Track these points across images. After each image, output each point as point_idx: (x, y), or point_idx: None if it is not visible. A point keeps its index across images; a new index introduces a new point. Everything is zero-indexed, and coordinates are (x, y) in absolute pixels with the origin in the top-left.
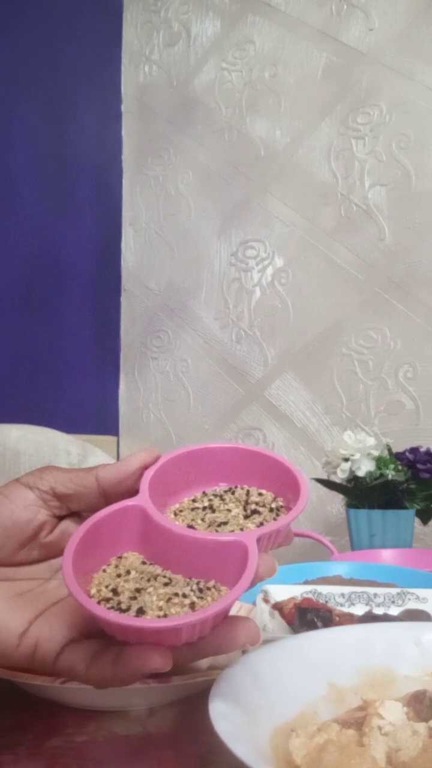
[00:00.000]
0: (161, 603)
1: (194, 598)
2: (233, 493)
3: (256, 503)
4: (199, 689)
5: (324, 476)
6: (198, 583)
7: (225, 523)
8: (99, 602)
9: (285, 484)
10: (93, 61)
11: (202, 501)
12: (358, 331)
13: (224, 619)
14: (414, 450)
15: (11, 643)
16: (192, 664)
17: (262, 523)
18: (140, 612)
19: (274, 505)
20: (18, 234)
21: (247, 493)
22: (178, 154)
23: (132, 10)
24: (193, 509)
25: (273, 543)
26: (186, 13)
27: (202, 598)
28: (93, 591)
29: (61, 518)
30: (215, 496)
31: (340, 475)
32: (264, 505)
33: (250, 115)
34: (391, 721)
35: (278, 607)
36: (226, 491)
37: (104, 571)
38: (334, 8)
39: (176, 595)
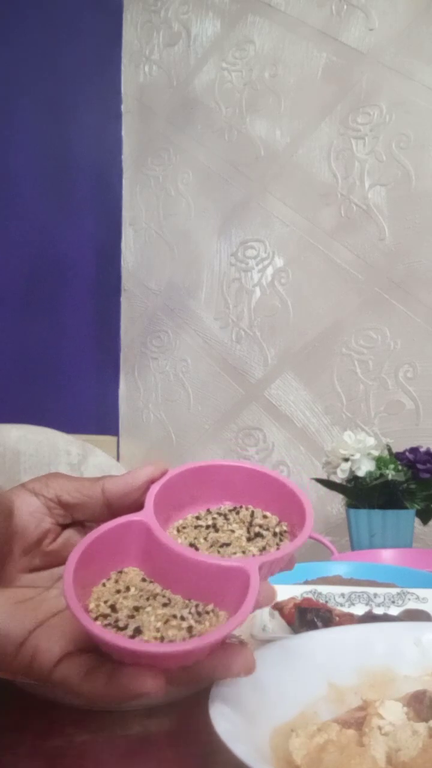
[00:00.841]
0: (159, 624)
1: (192, 622)
2: (238, 513)
3: (260, 526)
4: (199, 689)
5: (324, 476)
6: (197, 606)
7: (227, 545)
8: (96, 618)
9: (291, 507)
10: (93, 61)
11: (206, 519)
12: (358, 331)
13: (222, 645)
14: (414, 450)
15: (9, 651)
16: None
17: (264, 547)
18: (137, 632)
19: (278, 530)
20: (18, 234)
21: (252, 515)
22: (178, 154)
23: (132, 10)
24: (196, 527)
25: (275, 569)
26: (186, 13)
27: (200, 622)
28: (92, 606)
29: (64, 527)
30: (219, 514)
31: (340, 475)
32: (268, 529)
33: (250, 115)
34: (391, 721)
35: (278, 607)
36: (230, 510)
37: (104, 585)
38: (334, 8)
39: (174, 617)
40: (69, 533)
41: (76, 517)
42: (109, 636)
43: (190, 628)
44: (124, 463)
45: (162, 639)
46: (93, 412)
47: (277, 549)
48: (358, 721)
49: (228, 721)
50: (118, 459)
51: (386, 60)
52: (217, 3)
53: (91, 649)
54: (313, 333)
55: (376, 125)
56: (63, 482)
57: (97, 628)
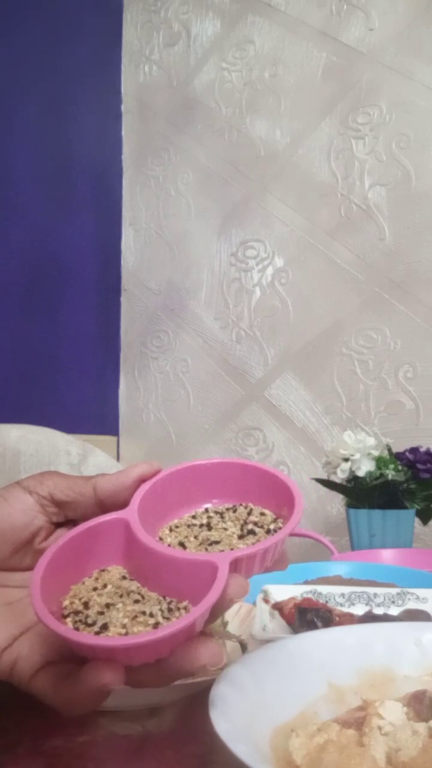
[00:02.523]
0: (126, 620)
1: (160, 619)
2: (235, 512)
3: (255, 524)
4: (199, 689)
5: (324, 476)
6: (170, 603)
7: (217, 542)
8: (68, 615)
9: (285, 502)
10: (93, 61)
11: (202, 518)
12: (358, 331)
13: (187, 639)
14: (414, 450)
15: None
16: None
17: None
18: (104, 628)
19: (272, 527)
20: (18, 234)
21: (249, 512)
22: (178, 154)
23: (132, 10)
24: (189, 525)
25: (261, 565)
26: (186, 13)
27: (168, 618)
28: (66, 603)
29: (57, 525)
30: (216, 513)
31: (340, 475)
32: (262, 526)
33: (250, 115)
34: (391, 721)
35: (278, 607)
36: (228, 508)
37: (83, 582)
38: (334, 8)
39: (143, 613)
40: (61, 532)
41: (68, 516)
42: (62, 629)
43: (156, 625)
44: (125, 463)
45: (127, 635)
46: (93, 412)
47: None
48: (358, 721)
49: (228, 721)
50: (118, 459)
51: (386, 60)
52: (217, 3)
53: (73, 658)
54: (313, 333)
55: (376, 125)
56: (57, 480)
57: (50, 620)
